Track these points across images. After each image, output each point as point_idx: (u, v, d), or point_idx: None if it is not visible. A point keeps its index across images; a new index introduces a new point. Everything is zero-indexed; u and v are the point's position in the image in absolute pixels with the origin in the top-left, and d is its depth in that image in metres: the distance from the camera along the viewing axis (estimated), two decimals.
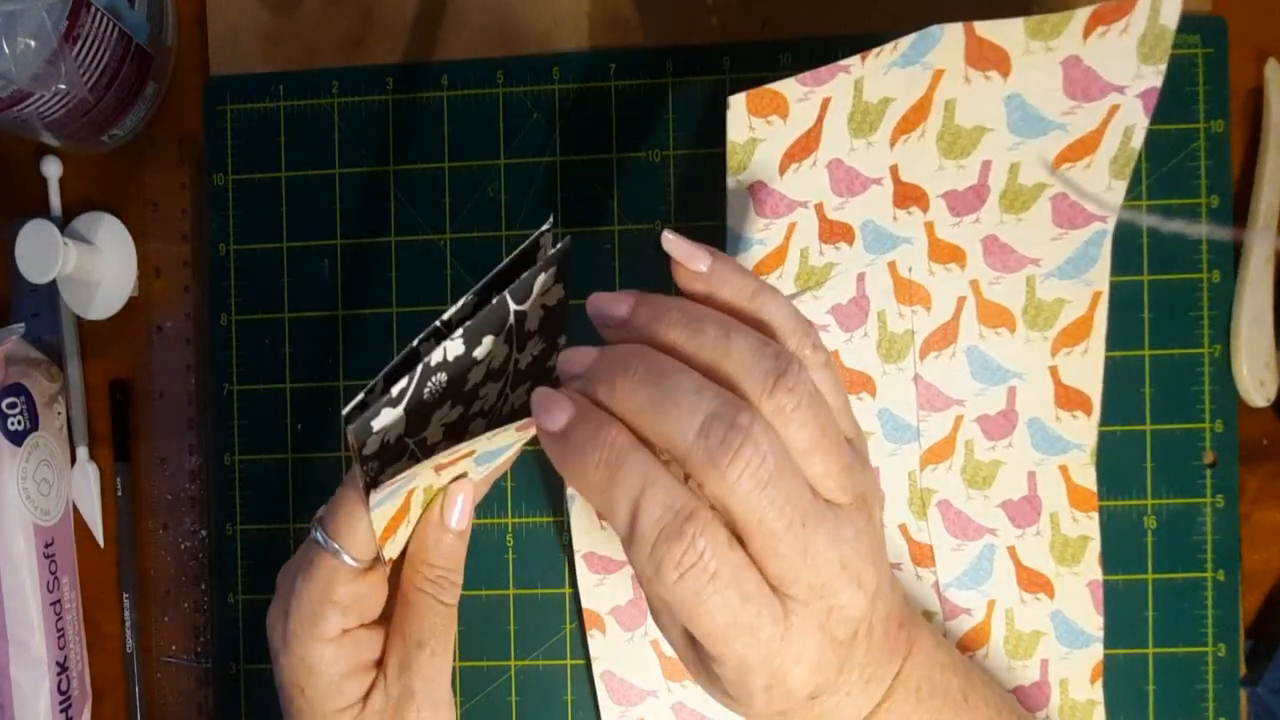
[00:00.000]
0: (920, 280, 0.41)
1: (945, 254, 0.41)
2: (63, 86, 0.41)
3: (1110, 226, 0.40)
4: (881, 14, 0.44)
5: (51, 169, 0.48)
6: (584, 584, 0.44)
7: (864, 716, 0.30)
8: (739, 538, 0.26)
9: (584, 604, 0.44)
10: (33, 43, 0.39)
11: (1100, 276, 0.41)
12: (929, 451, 0.42)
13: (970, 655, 0.42)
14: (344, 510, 0.31)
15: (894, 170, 0.39)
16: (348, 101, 0.46)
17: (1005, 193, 0.39)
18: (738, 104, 0.33)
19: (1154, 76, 0.37)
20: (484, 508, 0.45)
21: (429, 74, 0.45)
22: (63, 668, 0.47)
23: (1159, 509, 0.43)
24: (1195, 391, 0.43)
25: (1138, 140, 0.38)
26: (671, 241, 0.29)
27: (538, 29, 0.45)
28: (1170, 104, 0.42)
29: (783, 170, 0.36)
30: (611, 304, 0.29)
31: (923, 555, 0.42)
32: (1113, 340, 0.42)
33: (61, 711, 0.46)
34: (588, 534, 0.43)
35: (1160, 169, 0.43)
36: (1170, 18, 0.35)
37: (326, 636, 0.32)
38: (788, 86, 0.33)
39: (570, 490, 0.43)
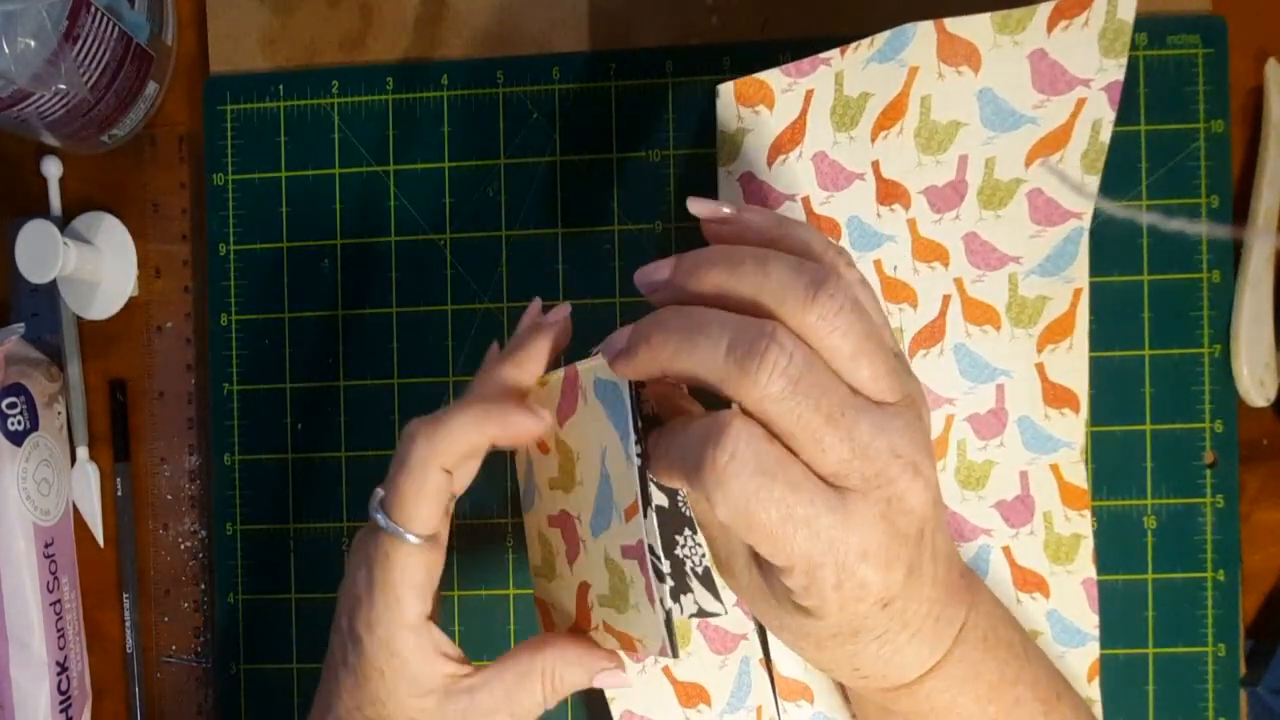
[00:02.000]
0: (905, 279, 0.41)
1: (928, 252, 0.41)
2: (63, 86, 0.41)
3: (1086, 224, 0.40)
4: (881, 14, 0.44)
5: (51, 169, 0.48)
6: None
7: (935, 661, 0.30)
8: (787, 447, 0.27)
9: None
10: (33, 43, 0.39)
11: (1080, 273, 0.41)
12: None
13: None
14: (406, 492, 0.32)
15: (875, 166, 0.39)
16: (348, 101, 0.46)
17: (983, 188, 0.40)
18: (726, 92, 0.34)
19: (1116, 70, 0.38)
20: (484, 508, 0.45)
21: (429, 74, 0.45)
22: (63, 668, 0.47)
23: (1159, 509, 0.43)
24: (1195, 391, 0.43)
25: (1106, 134, 0.39)
26: (696, 202, 0.31)
27: (537, 29, 0.45)
28: (1170, 104, 0.42)
29: (770, 161, 0.36)
30: (654, 270, 0.30)
31: None
32: (1113, 340, 0.43)
33: (61, 711, 0.46)
34: None
35: (1160, 169, 0.43)
36: (1127, 12, 0.37)
37: (408, 622, 0.32)
38: (773, 76, 0.34)
39: None
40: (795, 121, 0.36)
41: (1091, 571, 0.42)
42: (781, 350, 0.26)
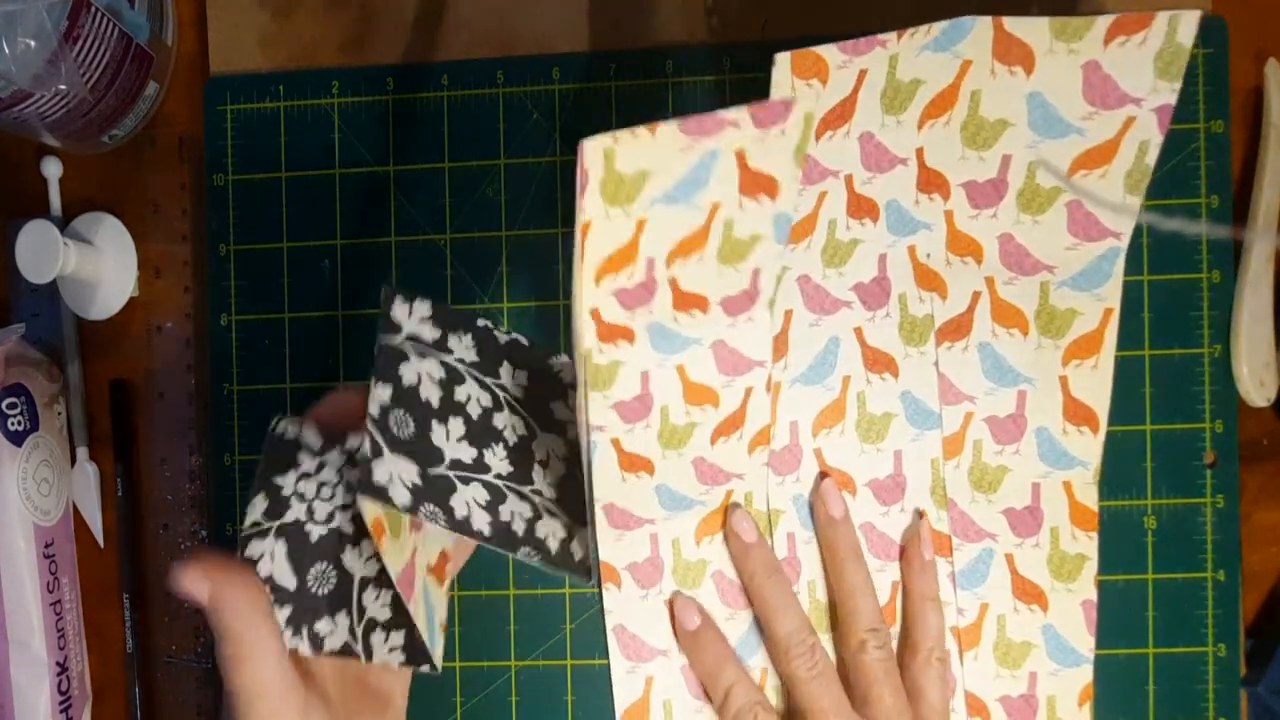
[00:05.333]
0: (937, 268, 0.41)
1: (963, 246, 0.41)
2: (63, 86, 0.41)
3: (1124, 244, 0.40)
4: (882, 15, 0.44)
5: (51, 169, 0.48)
6: (603, 537, 0.43)
7: None
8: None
9: (601, 557, 0.43)
10: (33, 43, 0.39)
11: (1112, 293, 0.40)
12: (944, 443, 0.42)
13: (960, 655, 0.42)
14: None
15: (919, 153, 0.39)
16: (348, 101, 0.46)
17: (1023, 191, 0.40)
18: (783, 62, 0.33)
19: (1169, 93, 0.37)
20: None
21: (429, 74, 0.45)
22: (63, 668, 0.47)
23: (1159, 509, 0.43)
24: (1195, 391, 0.43)
25: (1152, 157, 0.38)
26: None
27: (538, 29, 0.45)
28: None
29: (819, 135, 0.36)
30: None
31: (941, 545, 0.42)
32: None
33: (61, 712, 0.46)
34: (610, 485, 0.41)
35: (1160, 169, 0.42)
36: (1186, 36, 0.36)
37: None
38: (829, 52, 0.34)
39: (591, 438, 0.41)
40: (846, 99, 0.35)
41: (1092, 594, 0.42)
42: (813, 656, 0.40)
